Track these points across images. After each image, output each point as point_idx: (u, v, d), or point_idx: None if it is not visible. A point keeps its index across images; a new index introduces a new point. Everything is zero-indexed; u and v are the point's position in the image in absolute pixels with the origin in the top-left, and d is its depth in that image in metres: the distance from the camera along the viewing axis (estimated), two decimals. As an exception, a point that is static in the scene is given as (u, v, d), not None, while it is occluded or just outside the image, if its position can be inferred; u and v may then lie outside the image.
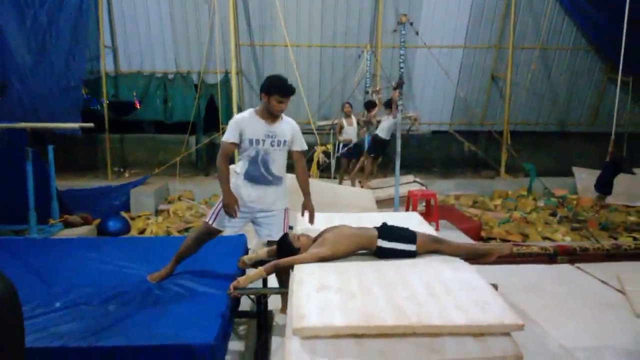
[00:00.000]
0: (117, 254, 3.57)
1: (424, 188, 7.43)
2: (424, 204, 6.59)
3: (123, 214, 7.44)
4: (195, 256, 3.26)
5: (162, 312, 2.59)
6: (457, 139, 9.20)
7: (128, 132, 10.60)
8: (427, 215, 6.29)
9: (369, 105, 8.26)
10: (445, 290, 2.20)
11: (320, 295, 2.13)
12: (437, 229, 5.94)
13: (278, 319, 3.26)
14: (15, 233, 5.43)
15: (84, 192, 8.09)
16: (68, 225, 5.75)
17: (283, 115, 3.16)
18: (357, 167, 8.01)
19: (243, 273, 3.37)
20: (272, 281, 3.61)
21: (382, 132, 7.63)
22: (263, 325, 2.88)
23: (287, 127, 3.16)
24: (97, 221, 6.83)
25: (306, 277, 2.35)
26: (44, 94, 7.80)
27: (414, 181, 7.98)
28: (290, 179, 5.93)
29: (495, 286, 2.65)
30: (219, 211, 3.11)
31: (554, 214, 8.17)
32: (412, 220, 3.35)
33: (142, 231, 7.08)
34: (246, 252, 3.69)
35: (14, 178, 5.30)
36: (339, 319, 1.91)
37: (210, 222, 3.13)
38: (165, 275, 3.13)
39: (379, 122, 7.88)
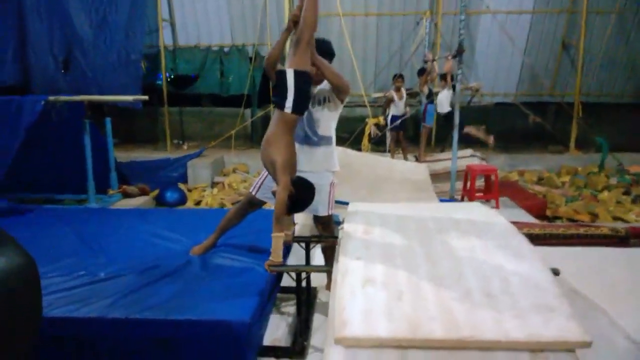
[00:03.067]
0: (165, 225, 3.59)
1: (483, 162, 7.05)
2: (482, 179, 6.25)
3: (180, 185, 7.61)
4: (239, 229, 3.21)
5: (200, 287, 2.55)
6: (523, 112, 8.64)
7: (186, 106, 10.79)
8: (487, 191, 5.97)
9: (419, 74, 7.96)
10: (504, 288, 1.99)
11: (365, 292, 1.98)
12: (497, 207, 5.61)
13: (322, 295, 3.17)
14: (77, 202, 5.65)
15: (144, 164, 8.34)
16: (126, 195, 5.92)
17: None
18: (403, 143, 7.73)
19: (288, 249, 3.29)
20: (318, 258, 3.52)
21: (439, 106, 7.31)
22: (304, 302, 2.80)
23: (328, 85, 2.94)
24: (155, 192, 7.02)
25: (352, 264, 2.20)
26: (106, 68, 8.04)
27: (473, 155, 7.60)
28: (341, 152, 5.79)
29: (556, 271, 2.41)
30: (263, 181, 3.02)
31: (627, 193, 7.54)
32: (476, 213, 2.98)
33: (198, 202, 7.21)
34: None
35: (75, 150, 5.49)
36: (383, 328, 1.76)
37: (253, 193, 3.06)
38: (207, 248, 3.10)
39: (433, 92, 7.56)
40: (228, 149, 9.40)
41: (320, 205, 3.01)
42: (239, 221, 3.13)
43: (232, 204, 7.08)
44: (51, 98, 5.25)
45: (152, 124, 10.72)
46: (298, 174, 2.72)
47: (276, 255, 2.50)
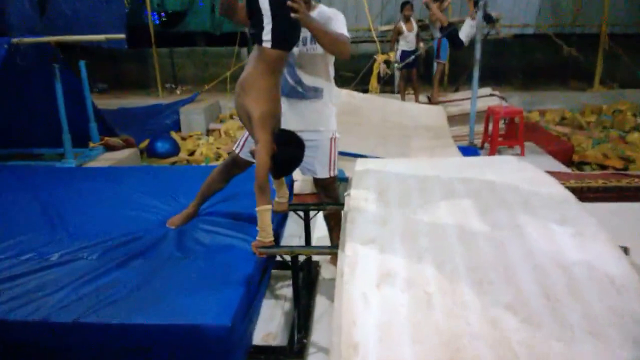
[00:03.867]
0: (142, 187, 3.06)
1: (503, 103, 6.38)
2: (503, 122, 5.62)
3: (173, 134, 7.03)
4: (226, 194, 2.68)
5: (173, 274, 2.05)
6: (541, 44, 7.82)
7: (177, 46, 10.01)
8: (510, 136, 5.36)
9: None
10: (569, 287, 1.45)
11: (382, 296, 1.45)
12: (522, 154, 5.03)
13: (326, 272, 2.67)
14: (56, 157, 5.11)
15: (132, 112, 7.73)
16: (109, 148, 5.36)
17: (321, 7, 2.34)
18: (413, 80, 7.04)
19: (285, 216, 2.77)
20: (319, 227, 3.00)
21: (464, 35, 6.59)
22: (302, 289, 2.30)
23: (319, 17, 2.23)
24: (145, 143, 6.47)
25: (363, 250, 1.66)
26: (85, 6, 7.27)
27: (492, 94, 6.92)
28: (346, 96, 5.15)
29: (626, 250, 1.88)
30: (247, 137, 2.46)
31: (660, 133, 6.89)
32: (515, 170, 2.41)
33: (192, 153, 6.65)
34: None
35: (51, 99, 4.88)
36: (409, 354, 1.24)
37: (237, 151, 2.50)
38: (187, 219, 2.58)
39: (448, 25, 6.80)
40: (224, 92, 8.72)
41: (319, 165, 2.45)
42: (224, 185, 2.58)
43: (228, 153, 6.53)
44: (14, 40, 4.59)
45: (143, 67, 9.99)
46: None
47: (265, 234, 1.98)
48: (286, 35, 2.01)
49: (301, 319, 2.12)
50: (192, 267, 2.10)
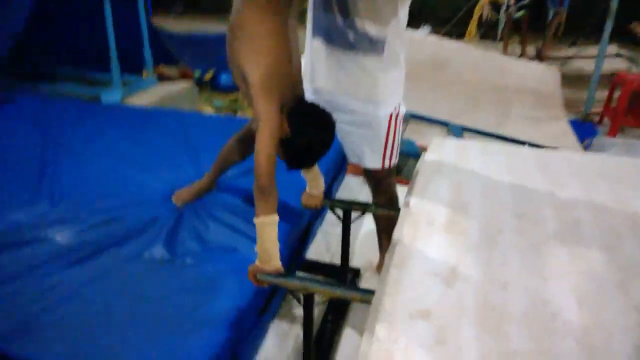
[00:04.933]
0: (163, 142, 2.48)
1: (633, 67, 5.11)
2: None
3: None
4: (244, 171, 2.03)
5: (139, 296, 1.45)
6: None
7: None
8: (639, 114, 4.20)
9: None
10: None
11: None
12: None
13: (369, 282, 1.98)
14: (102, 84, 4.69)
15: (205, 39, 7.18)
16: (162, 78, 4.86)
17: None
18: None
19: (318, 214, 2.08)
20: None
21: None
22: (315, 337, 1.64)
23: None
24: (210, 74, 5.96)
25: (415, 299, 0.99)
26: None
27: (618, 54, 5.61)
28: (432, 44, 4.17)
29: None
30: None
31: None
32: None
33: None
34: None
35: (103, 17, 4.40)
36: None
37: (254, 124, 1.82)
38: (196, 195, 1.97)
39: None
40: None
41: (369, 150, 1.71)
42: (241, 158, 1.92)
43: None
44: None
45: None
46: (315, 96, 1.45)
47: (266, 257, 1.33)
48: None
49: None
50: (171, 284, 1.49)
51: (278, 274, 1.33)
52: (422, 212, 1.37)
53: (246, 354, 1.44)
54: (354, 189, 2.69)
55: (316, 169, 1.68)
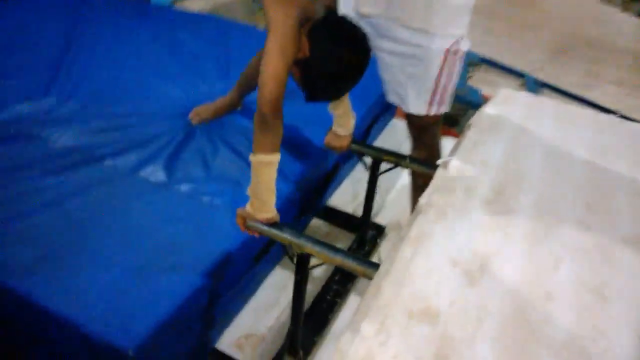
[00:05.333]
0: (200, 49, 2.24)
1: None
2: None
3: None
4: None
5: (119, 227, 1.26)
6: None
7: None
8: None
9: None
10: None
11: None
12: None
13: (388, 245, 1.73)
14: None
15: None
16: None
17: None
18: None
19: (343, 158, 1.81)
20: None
21: None
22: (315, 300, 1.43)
23: None
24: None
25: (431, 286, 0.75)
26: None
27: None
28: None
29: None
30: None
31: None
32: None
33: None
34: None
35: None
36: None
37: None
38: (214, 114, 1.75)
39: None
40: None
41: (413, 92, 1.40)
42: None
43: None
44: None
45: None
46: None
47: (259, 203, 1.10)
48: None
49: (302, 332, 1.25)
50: (159, 211, 1.30)
51: (270, 224, 1.11)
52: (462, 178, 1.08)
53: (232, 304, 1.27)
54: (401, 135, 2.38)
55: (346, 103, 1.40)
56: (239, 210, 1.14)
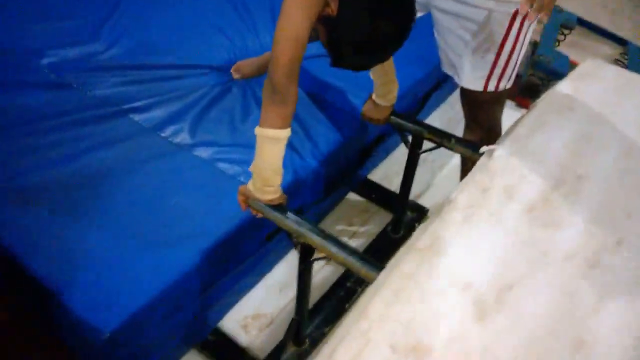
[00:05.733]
0: (258, 4, 2.10)
1: None
2: None
3: None
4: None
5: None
6: None
7: None
8: None
9: None
10: None
11: None
12: None
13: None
14: None
15: None
16: None
17: None
18: None
19: (382, 132, 1.62)
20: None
21: None
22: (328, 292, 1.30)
23: None
24: None
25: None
26: None
27: None
28: None
29: None
30: None
31: None
32: None
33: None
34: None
35: None
36: None
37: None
38: (258, 71, 1.63)
39: None
40: None
41: (468, 64, 1.19)
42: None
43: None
44: None
45: None
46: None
47: (262, 182, 0.98)
48: None
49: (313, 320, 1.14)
50: (176, 176, 1.22)
51: (273, 206, 0.99)
52: (503, 173, 0.89)
53: (242, 281, 1.18)
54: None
55: (389, 70, 1.21)
56: (241, 188, 1.02)
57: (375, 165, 1.69)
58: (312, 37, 1.05)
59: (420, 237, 0.76)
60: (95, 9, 1.89)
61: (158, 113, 1.42)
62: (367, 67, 1.06)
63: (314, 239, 0.92)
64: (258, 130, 0.94)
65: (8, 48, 1.58)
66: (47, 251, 1.00)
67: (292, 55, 0.90)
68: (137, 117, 1.40)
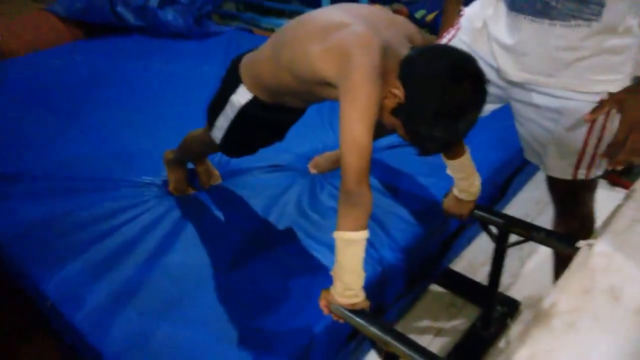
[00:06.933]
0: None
1: None
2: None
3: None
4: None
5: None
6: None
7: None
8: None
9: None
10: None
11: None
12: None
13: (519, 328, 1.43)
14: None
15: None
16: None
17: None
18: None
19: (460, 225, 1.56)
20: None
21: None
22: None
23: None
24: (434, 14, 5.41)
25: None
26: None
27: None
28: None
29: None
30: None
31: None
32: None
33: None
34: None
35: None
36: None
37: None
38: (335, 164, 1.67)
39: None
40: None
41: (554, 151, 1.13)
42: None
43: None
44: None
45: None
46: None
47: (343, 287, 0.96)
48: None
49: None
50: (250, 273, 1.24)
51: (356, 311, 0.96)
52: (607, 271, 0.82)
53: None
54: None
55: (467, 164, 1.18)
56: (323, 292, 1.01)
57: (457, 254, 1.63)
58: (388, 130, 1.06)
59: (518, 350, 0.69)
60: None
61: (235, 212, 1.48)
62: (452, 139, 0.97)
63: (400, 348, 0.87)
64: (336, 234, 0.94)
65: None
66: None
67: (359, 165, 0.90)
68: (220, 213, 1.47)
